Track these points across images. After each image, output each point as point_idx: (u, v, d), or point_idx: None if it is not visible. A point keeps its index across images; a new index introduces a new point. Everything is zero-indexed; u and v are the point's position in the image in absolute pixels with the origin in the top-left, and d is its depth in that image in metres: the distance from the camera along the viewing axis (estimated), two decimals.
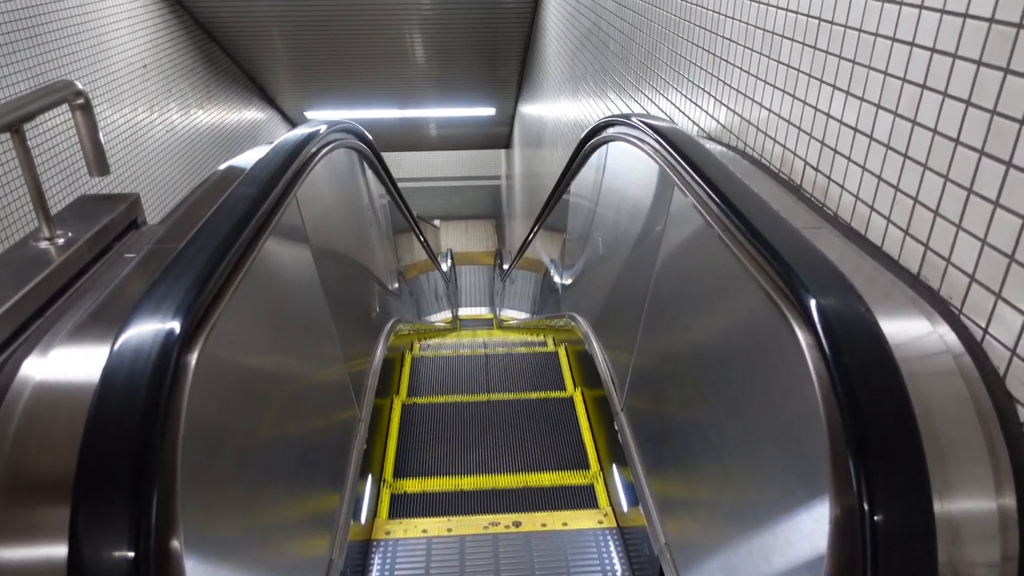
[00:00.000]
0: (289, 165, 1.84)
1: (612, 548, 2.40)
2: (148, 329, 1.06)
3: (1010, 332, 1.10)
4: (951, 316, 1.23)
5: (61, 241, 1.52)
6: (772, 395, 1.27)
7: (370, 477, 2.47)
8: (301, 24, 8.32)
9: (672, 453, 1.91)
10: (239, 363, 1.36)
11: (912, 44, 1.36)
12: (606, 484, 2.74)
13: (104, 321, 1.23)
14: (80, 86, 1.57)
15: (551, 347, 4.70)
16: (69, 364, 1.14)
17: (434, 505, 2.72)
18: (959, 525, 0.97)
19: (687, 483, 1.78)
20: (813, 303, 1.10)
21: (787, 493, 1.15)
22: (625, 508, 2.33)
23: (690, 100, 2.78)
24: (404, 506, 2.71)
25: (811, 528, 1.04)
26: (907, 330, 1.18)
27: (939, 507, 0.96)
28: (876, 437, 0.93)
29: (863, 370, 1.00)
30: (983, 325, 1.16)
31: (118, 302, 1.30)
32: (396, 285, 4.41)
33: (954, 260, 1.24)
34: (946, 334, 1.19)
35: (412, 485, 2.82)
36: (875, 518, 0.89)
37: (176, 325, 1.07)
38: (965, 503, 0.99)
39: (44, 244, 1.51)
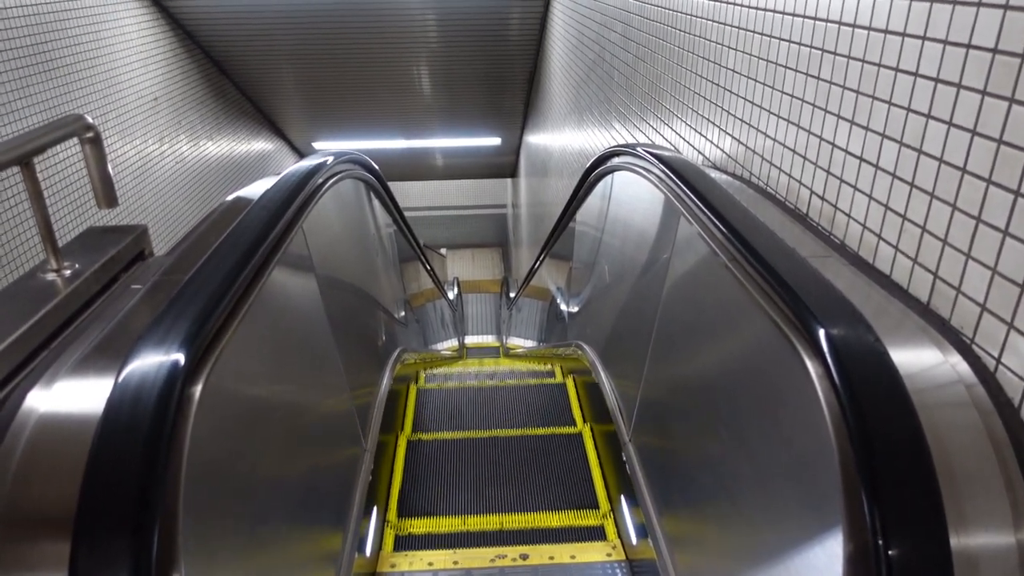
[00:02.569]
0: (296, 196, 1.85)
1: None
2: (152, 362, 1.05)
3: None
4: (963, 346, 1.21)
5: (68, 272, 1.53)
6: (782, 426, 1.25)
7: (375, 508, 2.45)
8: (310, 57, 8.46)
9: (682, 485, 1.88)
10: (244, 395, 1.35)
11: (916, 74, 1.36)
12: (615, 516, 2.70)
13: (109, 353, 1.22)
14: (90, 120, 1.59)
15: (559, 378, 4.66)
16: (73, 397, 1.14)
17: (439, 542, 2.66)
18: (977, 561, 0.94)
19: (697, 516, 1.75)
20: (823, 333, 1.09)
21: (799, 527, 1.13)
22: (634, 541, 2.29)
23: (695, 130, 2.79)
24: (409, 545, 2.65)
25: (824, 564, 1.02)
26: (918, 360, 1.16)
27: (956, 542, 0.93)
28: (890, 471, 0.91)
29: (875, 402, 0.99)
30: (996, 355, 1.15)
31: (123, 334, 1.29)
32: (402, 314, 4.41)
33: (964, 289, 1.23)
34: (958, 364, 1.17)
35: (417, 526, 2.75)
36: (890, 553, 0.86)
37: (180, 357, 1.06)
38: (983, 538, 0.96)
39: (51, 275, 1.51)
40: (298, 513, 1.62)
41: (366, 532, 2.22)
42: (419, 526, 2.73)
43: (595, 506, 2.86)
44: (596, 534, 2.70)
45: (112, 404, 1.00)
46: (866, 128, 1.54)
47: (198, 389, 1.09)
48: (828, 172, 1.71)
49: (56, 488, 1.00)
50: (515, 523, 2.76)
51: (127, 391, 1.01)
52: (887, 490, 0.91)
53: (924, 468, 0.93)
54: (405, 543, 2.63)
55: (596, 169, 3.30)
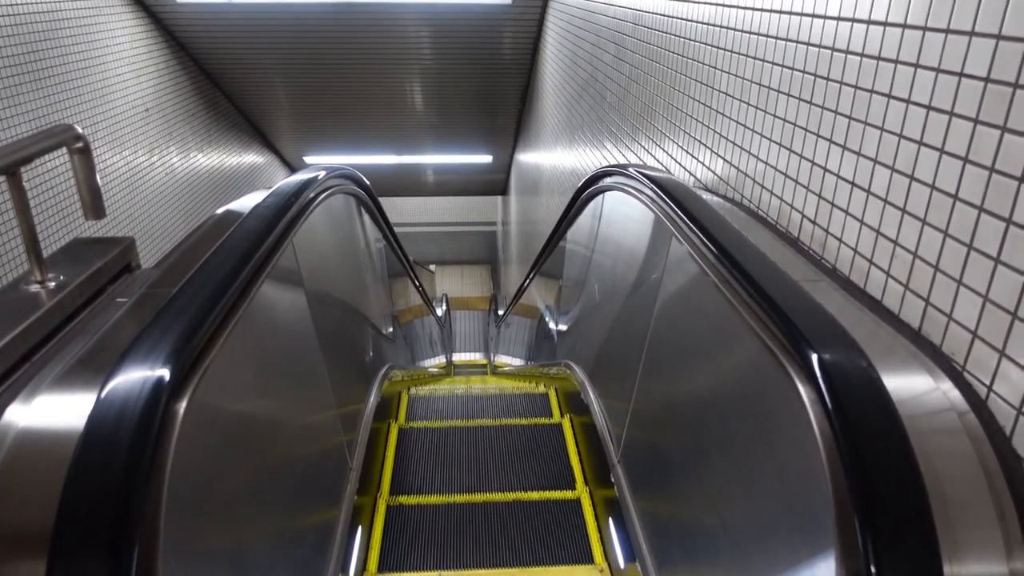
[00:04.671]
0: (287, 210, 1.84)
1: None
2: (136, 377, 1.03)
3: (1015, 390, 1.08)
4: (954, 373, 1.21)
5: (52, 284, 1.50)
6: (774, 451, 1.24)
7: (360, 528, 2.41)
8: (303, 71, 8.47)
9: (671, 508, 1.86)
10: (229, 412, 1.33)
11: (908, 101, 1.37)
12: (602, 538, 2.67)
13: (92, 367, 1.20)
14: (79, 130, 1.57)
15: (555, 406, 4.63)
16: (53, 412, 1.11)
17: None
18: None
19: (687, 540, 1.73)
20: (815, 358, 1.08)
21: (791, 554, 1.12)
22: (622, 564, 2.27)
23: (686, 151, 2.81)
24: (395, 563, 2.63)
25: None
26: (910, 386, 1.16)
27: (949, 571, 0.93)
28: (883, 499, 0.91)
29: (868, 428, 0.98)
30: (987, 382, 1.15)
31: (107, 348, 1.27)
32: (391, 330, 4.38)
33: (956, 316, 1.23)
34: (949, 391, 1.17)
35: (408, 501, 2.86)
36: None
37: (165, 373, 1.04)
38: (976, 567, 0.96)
39: (35, 287, 1.49)
40: (282, 532, 1.59)
41: (351, 551, 2.18)
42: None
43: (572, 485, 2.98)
44: (582, 549, 2.68)
45: (93, 420, 0.97)
46: (858, 153, 1.55)
47: (183, 406, 1.07)
48: (820, 196, 1.72)
49: (33, 505, 0.98)
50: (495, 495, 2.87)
51: (110, 407, 0.99)
52: (880, 517, 0.90)
53: (917, 496, 0.92)
54: (389, 563, 2.60)
55: (587, 189, 3.31)
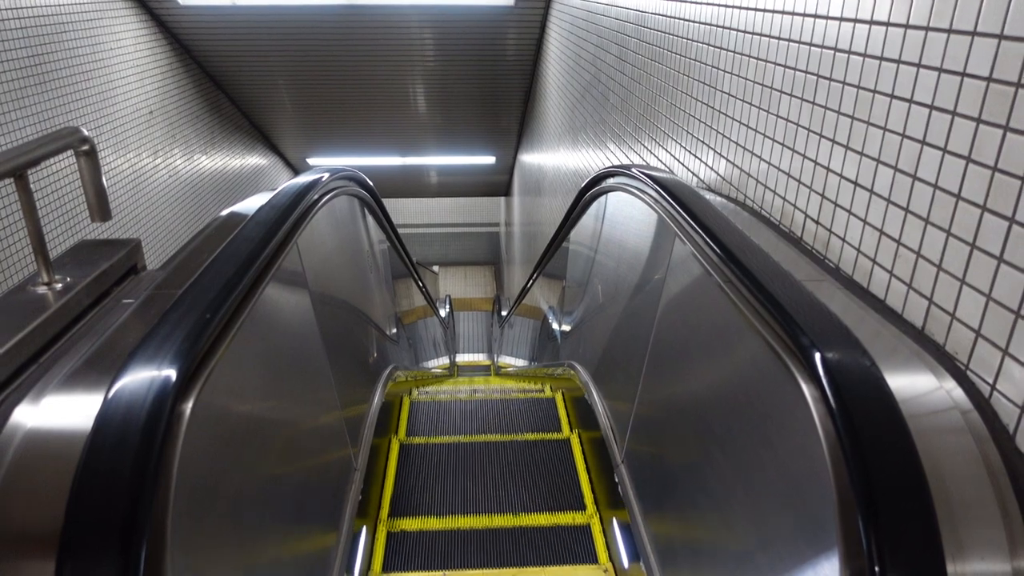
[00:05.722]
0: (291, 212, 1.85)
1: None
2: (143, 377, 1.04)
3: (1019, 389, 1.09)
4: (957, 372, 1.21)
5: (59, 286, 1.51)
6: (777, 450, 1.25)
7: (364, 529, 2.42)
8: (306, 73, 8.49)
9: (675, 508, 1.87)
10: (235, 412, 1.34)
11: (911, 101, 1.37)
12: (606, 538, 2.67)
13: (99, 368, 1.21)
14: (86, 133, 1.58)
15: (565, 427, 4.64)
16: (61, 412, 1.12)
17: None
18: None
19: (690, 540, 1.73)
20: (818, 356, 1.08)
21: (794, 553, 1.12)
22: (626, 564, 2.27)
23: (689, 152, 2.81)
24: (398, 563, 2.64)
25: None
26: (913, 385, 1.16)
27: (952, 570, 0.93)
28: (886, 497, 0.91)
29: (871, 427, 0.98)
30: (991, 381, 1.15)
31: (114, 349, 1.28)
32: (394, 331, 4.39)
33: (959, 315, 1.23)
34: (953, 390, 1.17)
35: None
36: None
37: (171, 374, 1.05)
38: (979, 566, 0.96)
39: (42, 289, 1.50)
40: (287, 532, 1.60)
41: (355, 551, 2.19)
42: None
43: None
44: (585, 545, 2.68)
45: (101, 421, 0.98)
46: (860, 153, 1.55)
47: (189, 406, 1.08)
48: (823, 196, 1.72)
49: (41, 506, 0.99)
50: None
51: (117, 407, 0.99)
52: (884, 516, 0.90)
53: (920, 495, 0.92)
54: (394, 553, 2.60)
55: (591, 189, 3.31)
